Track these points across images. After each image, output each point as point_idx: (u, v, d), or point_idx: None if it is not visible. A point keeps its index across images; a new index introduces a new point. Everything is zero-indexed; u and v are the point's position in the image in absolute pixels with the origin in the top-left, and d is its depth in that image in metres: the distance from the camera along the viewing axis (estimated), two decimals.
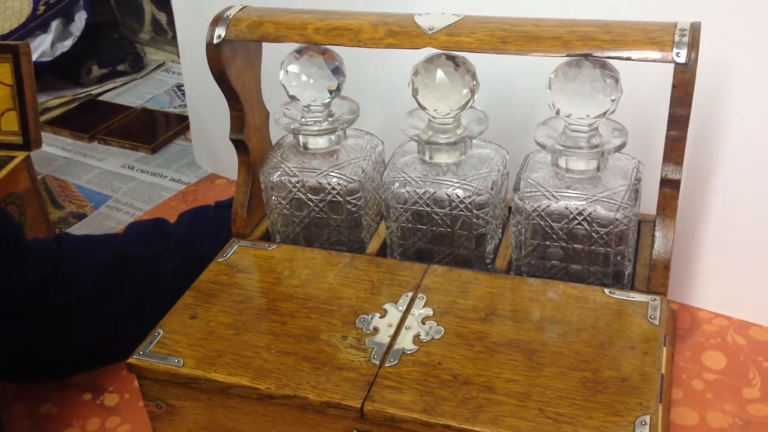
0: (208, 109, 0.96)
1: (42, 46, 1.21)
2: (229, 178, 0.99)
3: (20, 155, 0.86)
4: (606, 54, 0.52)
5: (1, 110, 0.87)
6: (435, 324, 0.56)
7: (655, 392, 0.49)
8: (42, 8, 1.21)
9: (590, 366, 0.51)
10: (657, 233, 0.57)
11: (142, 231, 0.73)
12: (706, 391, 0.63)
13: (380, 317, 0.57)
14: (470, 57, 0.58)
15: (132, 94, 1.28)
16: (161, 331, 0.58)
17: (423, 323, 0.56)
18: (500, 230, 0.65)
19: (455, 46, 0.55)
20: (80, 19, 1.25)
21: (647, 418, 0.47)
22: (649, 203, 0.60)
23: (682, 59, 0.50)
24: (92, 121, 1.17)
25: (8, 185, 0.84)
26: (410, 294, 0.59)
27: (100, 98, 1.27)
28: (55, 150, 1.12)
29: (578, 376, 0.51)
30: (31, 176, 0.87)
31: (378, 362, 0.53)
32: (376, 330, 0.56)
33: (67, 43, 1.24)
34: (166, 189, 0.99)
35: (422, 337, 0.55)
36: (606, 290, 0.58)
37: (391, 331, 0.56)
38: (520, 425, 0.48)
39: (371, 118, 0.73)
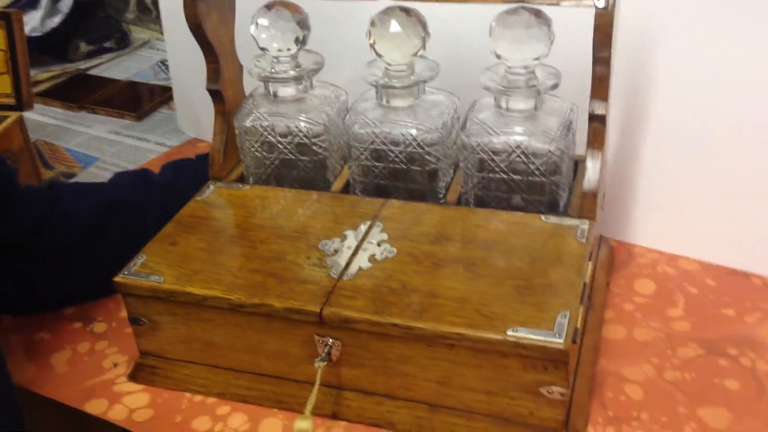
0: (190, 79, 1.02)
1: (32, 22, 1.27)
2: (210, 142, 1.05)
3: (13, 115, 0.93)
4: (537, 1, 0.59)
5: None
6: (389, 246, 0.63)
7: (576, 294, 0.56)
8: None
9: (523, 276, 0.58)
10: (587, 164, 0.64)
11: (130, 179, 0.79)
12: (635, 311, 0.70)
13: (341, 241, 0.64)
14: (424, 10, 0.65)
15: (118, 69, 1.34)
16: (144, 256, 0.64)
17: (378, 245, 0.63)
18: (452, 170, 0.71)
19: None
20: None
21: (567, 312, 0.54)
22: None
23: (601, 4, 0.57)
24: (81, 93, 1.24)
25: (2, 143, 0.90)
26: (369, 222, 0.66)
27: (88, 72, 1.33)
28: (46, 119, 1.18)
29: (512, 284, 0.58)
30: (24, 136, 0.93)
31: (336, 276, 0.60)
32: (336, 252, 0.63)
33: (56, 20, 1.30)
34: (151, 152, 1.06)
35: (377, 256, 0.62)
36: (542, 216, 0.65)
37: (350, 252, 0.62)
38: (457, 322, 0.55)
39: (341, 73, 0.80)
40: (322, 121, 0.70)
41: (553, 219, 0.64)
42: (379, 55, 0.66)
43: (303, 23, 0.68)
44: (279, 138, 0.70)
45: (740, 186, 0.72)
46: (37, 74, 1.30)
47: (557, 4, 0.58)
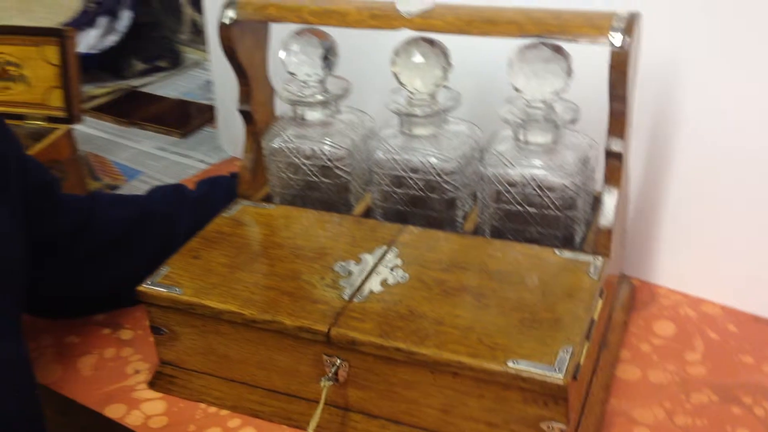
0: (231, 100, 1.05)
1: (89, 40, 1.33)
2: None
3: (63, 128, 0.97)
4: (554, 36, 0.60)
5: (49, 88, 0.98)
6: (402, 271, 0.64)
7: (581, 330, 0.56)
8: (91, 6, 1.33)
9: (530, 309, 0.59)
10: (604, 201, 0.64)
11: (164, 193, 0.82)
12: (652, 353, 0.70)
13: (356, 264, 0.65)
14: (451, 41, 0.67)
15: (169, 87, 1.39)
16: (168, 268, 0.67)
17: (392, 270, 0.64)
18: (471, 200, 0.72)
19: (427, 27, 0.63)
20: (125, 17, 1.37)
21: (570, 348, 0.54)
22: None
23: (617, 42, 0.57)
24: (132, 109, 1.29)
25: (52, 153, 0.94)
26: (385, 247, 0.67)
27: (141, 89, 1.38)
28: (98, 132, 1.23)
29: (518, 315, 0.58)
30: (72, 147, 0.98)
31: (348, 298, 0.61)
32: (350, 273, 0.64)
33: (113, 39, 1.35)
34: (192, 168, 1.09)
35: (389, 281, 0.63)
36: (556, 251, 0.65)
37: (364, 275, 0.64)
38: (460, 350, 0.55)
39: (371, 100, 0.81)
40: (345, 145, 0.71)
41: (567, 254, 0.64)
42: (402, 84, 0.67)
43: (331, 50, 0.70)
44: (303, 160, 0.72)
45: (766, 231, 0.71)
46: (92, 90, 1.36)
47: (575, 41, 0.59)
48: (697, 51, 0.69)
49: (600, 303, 0.61)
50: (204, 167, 1.09)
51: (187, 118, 1.25)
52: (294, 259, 0.66)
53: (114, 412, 0.67)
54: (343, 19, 0.66)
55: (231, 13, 0.69)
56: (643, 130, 0.74)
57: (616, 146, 0.62)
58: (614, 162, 0.63)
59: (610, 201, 0.64)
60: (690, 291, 0.77)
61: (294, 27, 0.71)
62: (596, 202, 0.70)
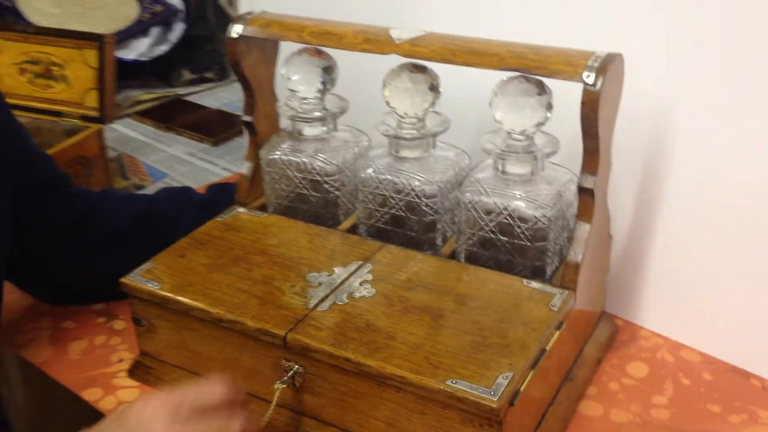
0: None
1: (141, 47, 1.40)
2: None
3: (95, 127, 1.03)
4: (533, 71, 0.61)
5: (87, 89, 1.04)
6: (369, 286, 0.66)
7: (527, 359, 0.57)
8: (146, 16, 1.41)
9: (483, 333, 0.60)
10: (574, 236, 0.65)
11: (171, 193, 0.86)
12: (619, 392, 0.69)
13: (328, 275, 0.67)
14: (445, 73, 0.69)
15: (212, 97, 1.45)
16: (153, 263, 0.70)
17: (360, 285, 0.66)
18: (453, 223, 0.74)
19: (415, 54, 0.65)
20: (178, 29, 1.44)
21: (510, 375, 0.55)
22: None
23: (590, 81, 0.58)
24: (172, 115, 1.35)
25: (80, 149, 1.00)
26: (360, 263, 0.69)
27: (185, 98, 1.44)
28: (137, 134, 1.29)
29: (469, 339, 0.59)
30: (101, 145, 1.03)
31: (311, 307, 0.63)
32: (320, 284, 0.66)
33: (164, 48, 1.43)
34: (216, 175, 1.14)
35: (355, 294, 0.65)
36: (524, 281, 0.66)
37: (332, 287, 0.66)
38: (404, 365, 0.57)
39: (371, 120, 0.84)
40: (337, 162, 0.74)
41: (535, 284, 0.65)
42: (391, 108, 0.70)
43: (329, 69, 0.73)
44: (296, 173, 0.75)
45: (751, 283, 0.70)
46: (141, 95, 1.43)
47: (551, 77, 0.60)
48: (690, 99, 0.69)
49: (556, 335, 0.61)
50: (227, 174, 1.14)
51: (221, 128, 1.30)
52: (272, 266, 0.69)
53: (91, 395, 0.71)
54: (340, 42, 0.68)
55: (238, 28, 0.73)
56: (633, 172, 0.74)
57: (587, 183, 0.63)
58: (586, 198, 0.64)
59: (580, 236, 0.64)
60: (671, 335, 0.76)
61: (298, 46, 0.74)
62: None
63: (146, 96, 1.43)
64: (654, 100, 0.70)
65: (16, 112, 0.75)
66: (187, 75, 1.49)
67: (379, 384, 0.58)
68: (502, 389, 0.54)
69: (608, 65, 0.59)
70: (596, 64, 0.59)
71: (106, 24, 1.41)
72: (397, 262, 0.69)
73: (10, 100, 0.77)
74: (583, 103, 0.59)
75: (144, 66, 1.44)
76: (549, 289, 0.65)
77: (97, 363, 0.75)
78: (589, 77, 0.58)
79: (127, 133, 1.28)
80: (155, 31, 1.42)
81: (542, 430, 0.63)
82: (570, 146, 0.66)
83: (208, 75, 1.51)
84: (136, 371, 0.72)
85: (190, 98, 1.45)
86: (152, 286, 0.67)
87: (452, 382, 0.55)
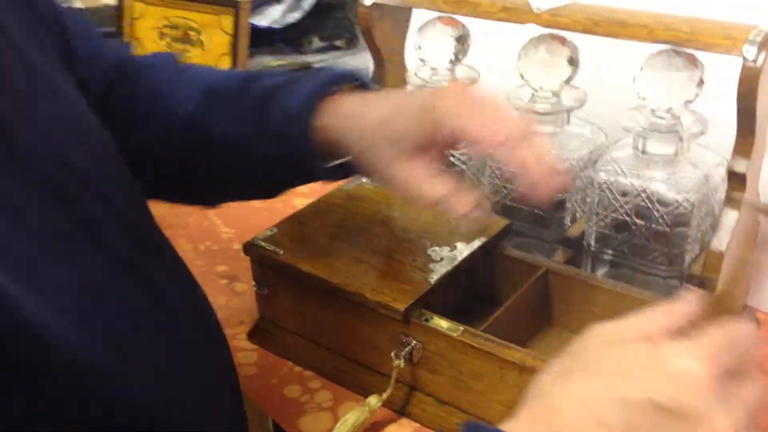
0: None
1: (274, 14, 1.41)
2: None
3: None
4: (685, 44, 0.56)
5: (221, 54, 1.07)
6: None
7: None
8: None
9: None
10: (720, 222, 0.60)
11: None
12: None
13: (450, 250, 0.65)
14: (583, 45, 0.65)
15: (340, 66, 1.45)
16: (275, 229, 0.71)
17: None
18: (584, 204, 0.70)
19: (554, 24, 0.62)
20: None
21: None
22: None
23: (750, 56, 0.53)
24: None
25: None
26: (484, 239, 0.67)
27: (313, 65, 1.45)
28: None
29: None
30: None
31: (432, 282, 0.62)
32: (441, 259, 0.65)
33: (296, 15, 1.44)
34: None
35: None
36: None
37: (455, 262, 0.64)
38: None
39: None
40: None
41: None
42: (525, 80, 0.66)
43: (462, 38, 0.70)
44: None
45: None
46: (271, 61, 1.45)
47: (704, 50, 0.55)
48: None
49: None
50: None
51: None
52: (391, 238, 0.68)
53: None
54: (475, 10, 0.66)
55: None
56: None
57: (739, 167, 0.58)
58: (737, 183, 0.59)
59: (726, 224, 0.59)
60: None
61: (431, 14, 0.72)
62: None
63: (275, 62, 1.45)
64: None
65: None
66: (316, 43, 1.50)
67: (500, 367, 0.56)
68: None
69: None
70: (759, 38, 0.53)
71: None
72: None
73: None
74: (740, 81, 0.54)
75: (275, 33, 1.45)
76: None
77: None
78: (749, 52, 0.53)
79: None
80: None
81: None
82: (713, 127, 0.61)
83: (337, 43, 1.51)
84: (255, 334, 0.74)
85: (318, 66, 1.46)
86: (274, 252, 0.67)
87: None
